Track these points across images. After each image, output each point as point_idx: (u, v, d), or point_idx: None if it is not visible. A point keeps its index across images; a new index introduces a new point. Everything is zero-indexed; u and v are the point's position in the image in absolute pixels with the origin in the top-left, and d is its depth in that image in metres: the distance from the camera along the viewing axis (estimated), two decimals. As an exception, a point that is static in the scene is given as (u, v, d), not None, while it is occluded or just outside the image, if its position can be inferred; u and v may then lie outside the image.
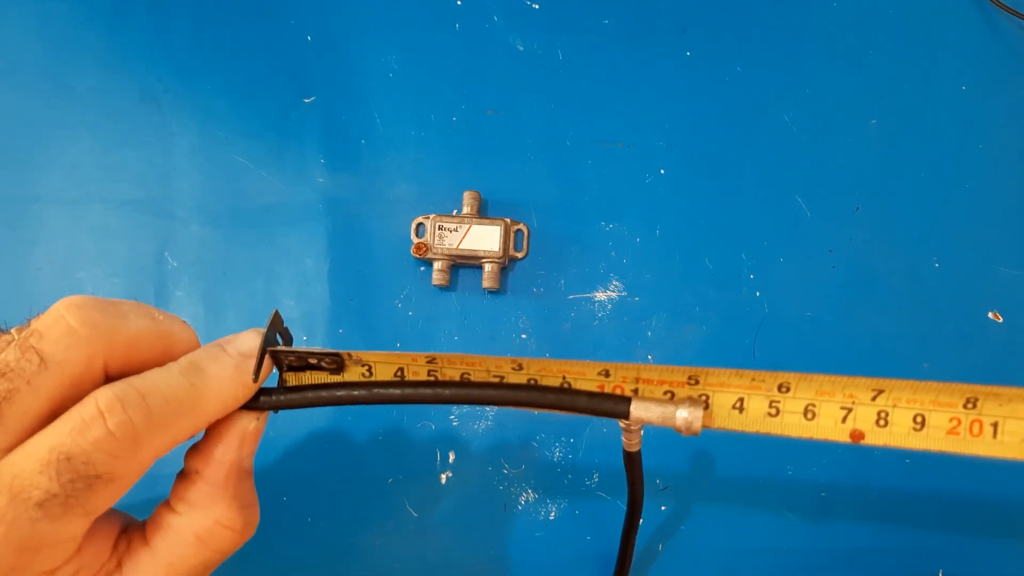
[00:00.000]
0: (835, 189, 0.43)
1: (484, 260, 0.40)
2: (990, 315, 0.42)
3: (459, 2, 0.44)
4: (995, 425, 0.23)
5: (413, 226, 0.41)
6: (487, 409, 0.40)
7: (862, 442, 0.24)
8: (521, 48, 0.44)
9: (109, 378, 0.22)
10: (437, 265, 0.41)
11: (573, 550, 0.39)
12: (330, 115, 0.43)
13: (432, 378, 0.26)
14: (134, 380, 0.22)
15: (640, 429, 0.28)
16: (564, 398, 0.24)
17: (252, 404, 0.24)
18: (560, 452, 0.40)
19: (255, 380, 0.24)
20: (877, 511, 0.40)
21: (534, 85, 0.43)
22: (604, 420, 0.40)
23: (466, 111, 0.43)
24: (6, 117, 0.42)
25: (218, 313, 0.41)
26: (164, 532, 0.24)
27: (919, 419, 0.24)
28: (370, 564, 0.39)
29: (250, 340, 0.25)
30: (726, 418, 0.25)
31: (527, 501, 0.40)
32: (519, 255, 0.42)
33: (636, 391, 0.26)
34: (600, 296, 0.41)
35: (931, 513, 0.40)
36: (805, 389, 0.24)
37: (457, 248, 0.40)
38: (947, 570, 0.40)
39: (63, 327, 0.21)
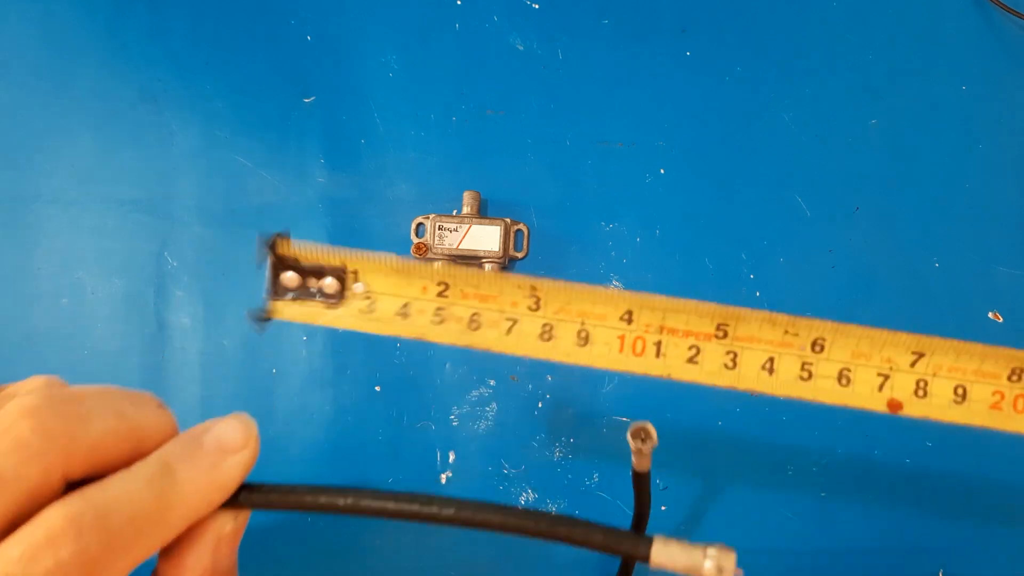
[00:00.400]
0: (835, 189, 0.43)
1: (484, 260, 0.40)
2: (990, 315, 0.42)
3: (459, 2, 0.44)
4: None
5: (413, 226, 0.41)
6: (487, 409, 0.40)
7: (900, 413, 0.23)
8: (521, 48, 0.44)
9: (70, 482, 0.19)
10: (437, 265, 0.40)
11: (573, 550, 0.39)
12: (330, 115, 0.43)
13: (439, 318, 0.24)
14: (93, 494, 0.19)
15: (651, 452, 0.28)
16: (577, 532, 0.22)
17: (231, 502, 0.21)
18: (560, 452, 0.40)
19: (257, 268, 0.22)
20: (877, 511, 0.40)
21: (534, 85, 0.43)
22: (604, 420, 0.40)
23: (466, 111, 0.43)
24: (6, 117, 0.42)
25: (218, 313, 0.41)
26: None
27: (960, 391, 0.22)
28: (370, 564, 0.39)
29: (231, 430, 0.22)
30: (755, 379, 0.23)
31: (527, 501, 0.40)
32: (519, 255, 0.42)
33: (659, 345, 0.23)
34: (600, 296, 0.41)
35: (931, 513, 0.40)
36: (840, 348, 0.22)
37: (457, 248, 0.40)
38: (947, 570, 0.40)
39: (15, 438, 0.18)
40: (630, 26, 0.44)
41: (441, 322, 0.24)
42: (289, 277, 0.23)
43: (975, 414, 0.22)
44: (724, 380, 0.23)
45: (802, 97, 0.44)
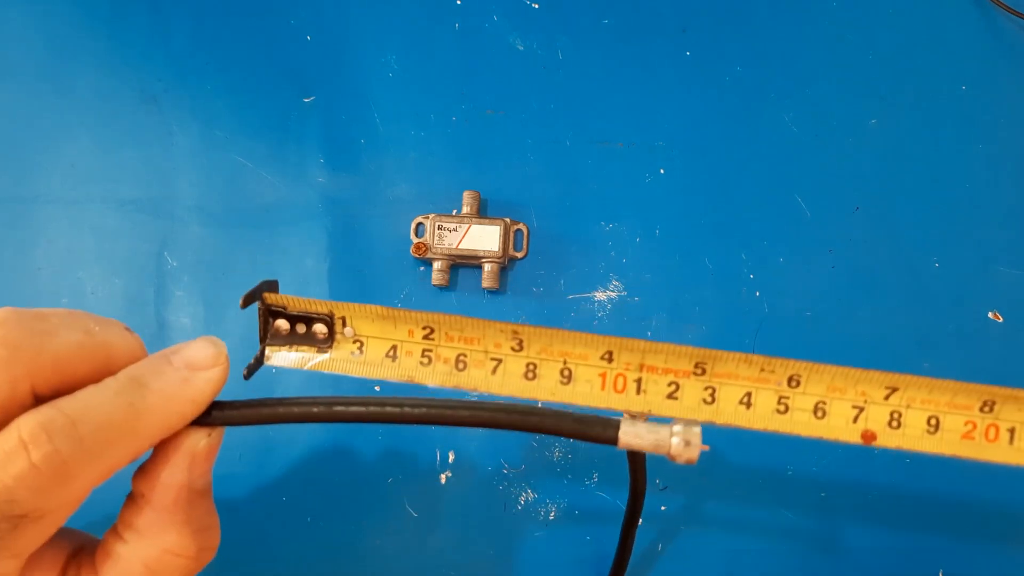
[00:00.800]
0: (835, 189, 0.43)
1: (484, 260, 0.40)
2: (990, 315, 0.42)
3: (459, 2, 0.44)
4: (1012, 431, 0.23)
5: (413, 226, 0.41)
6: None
7: (874, 444, 0.23)
8: (521, 48, 0.44)
9: (39, 400, 0.20)
10: (437, 265, 0.41)
11: (573, 550, 0.39)
12: (330, 115, 0.43)
13: (426, 359, 0.25)
14: (63, 403, 0.19)
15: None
16: (547, 421, 0.23)
17: (203, 420, 0.22)
18: (560, 452, 0.40)
19: (243, 308, 0.23)
20: (877, 511, 0.40)
21: (534, 85, 0.43)
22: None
23: (466, 111, 0.43)
24: (6, 117, 0.42)
25: (218, 313, 0.41)
26: (112, 562, 0.21)
27: (933, 421, 0.23)
28: (370, 564, 0.39)
29: (200, 350, 0.22)
30: (732, 414, 0.24)
31: (527, 501, 0.40)
32: (519, 255, 0.42)
33: (639, 382, 0.24)
34: (600, 296, 0.41)
35: (931, 513, 0.40)
36: (816, 383, 0.24)
37: (457, 248, 0.40)
38: (947, 571, 0.40)
39: None
40: (630, 26, 0.44)
41: (429, 363, 0.24)
42: (279, 324, 0.24)
43: (948, 444, 0.23)
44: (703, 415, 0.24)
45: (802, 97, 0.44)
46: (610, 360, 0.24)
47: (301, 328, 0.24)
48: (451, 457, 0.40)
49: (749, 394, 0.24)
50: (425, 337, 0.24)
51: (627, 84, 0.44)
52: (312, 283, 0.41)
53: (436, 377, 0.24)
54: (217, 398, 0.23)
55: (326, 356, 0.24)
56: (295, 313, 0.24)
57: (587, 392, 0.25)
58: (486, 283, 0.40)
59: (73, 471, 0.19)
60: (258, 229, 0.42)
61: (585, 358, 0.24)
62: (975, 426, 0.23)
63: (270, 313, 0.24)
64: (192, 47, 0.43)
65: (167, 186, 0.42)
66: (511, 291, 0.41)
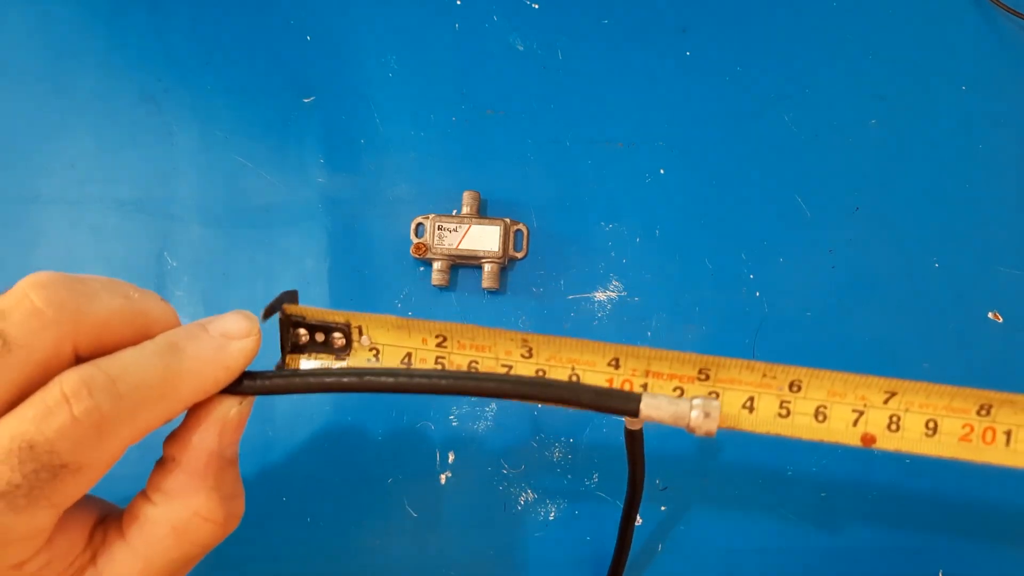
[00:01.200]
0: (835, 189, 0.43)
1: (484, 260, 0.40)
2: (990, 315, 0.42)
3: (459, 2, 0.44)
4: (1008, 433, 0.23)
5: (412, 226, 0.41)
6: (487, 409, 0.40)
7: (874, 446, 0.24)
8: (521, 48, 0.44)
9: (79, 360, 0.21)
10: (436, 265, 0.41)
11: (573, 550, 0.39)
12: (330, 115, 0.43)
13: (440, 366, 0.25)
14: (103, 362, 0.20)
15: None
16: (567, 392, 0.23)
17: (235, 388, 0.23)
18: (560, 452, 0.40)
19: (263, 321, 0.23)
20: (877, 511, 0.40)
21: (534, 85, 0.43)
22: (604, 419, 0.40)
23: (466, 111, 0.43)
24: (6, 117, 0.42)
25: (218, 313, 0.41)
26: (140, 524, 0.22)
27: (931, 424, 0.24)
28: (370, 564, 0.39)
29: (234, 322, 0.23)
30: (736, 418, 0.24)
31: (527, 501, 0.40)
32: (519, 255, 0.42)
33: (645, 386, 0.25)
34: (600, 296, 0.41)
35: (931, 514, 0.40)
36: (816, 388, 0.24)
37: (457, 248, 0.40)
38: (947, 571, 0.40)
39: (28, 307, 0.19)
40: (630, 26, 0.44)
41: (440, 366, 0.25)
42: (299, 333, 0.25)
43: (946, 446, 0.24)
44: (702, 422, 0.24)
45: (802, 97, 0.44)
46: (617, 366, 0.25)
47: (320, 337, 0.25)
48: (451, 457, 0.40)
49: (752, 399, 0.24)
50: (438, 345, 0.25)
51: (627, 84, 0.44)
52: (312, 283, 0.41)
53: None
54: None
55: (343, 363, 0.25)
56: (314, 323, 0.25)
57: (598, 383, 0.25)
58: (486, 283, 0.40)
59: (111, 426, 0.20)
60: (258, 229, 0.42)
61: (593, 364, 0.25)
62: (972, 429, 0.23)
63: (290, 323, 0.25)
64: (192, 47, 0.43)
65: (167, 186, 0.42)
66: (511, 291, 0.41)
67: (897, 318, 0.42)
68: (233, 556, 0.38)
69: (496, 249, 0.40)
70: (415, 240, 0.41)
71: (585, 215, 0.42)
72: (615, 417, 0.39)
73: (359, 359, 0.25)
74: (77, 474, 0.20)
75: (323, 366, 0.25)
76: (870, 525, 0.40)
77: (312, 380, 0.23)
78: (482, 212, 0.42)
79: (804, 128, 0.43)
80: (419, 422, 0.40)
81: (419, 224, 0.41)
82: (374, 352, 0.25)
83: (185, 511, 0.22)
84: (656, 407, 0.22)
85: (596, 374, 0.25)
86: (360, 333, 0.25)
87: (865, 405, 0.24)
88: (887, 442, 0.24)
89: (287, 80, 0.43)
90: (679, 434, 0.40)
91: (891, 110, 0.44)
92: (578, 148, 0.43)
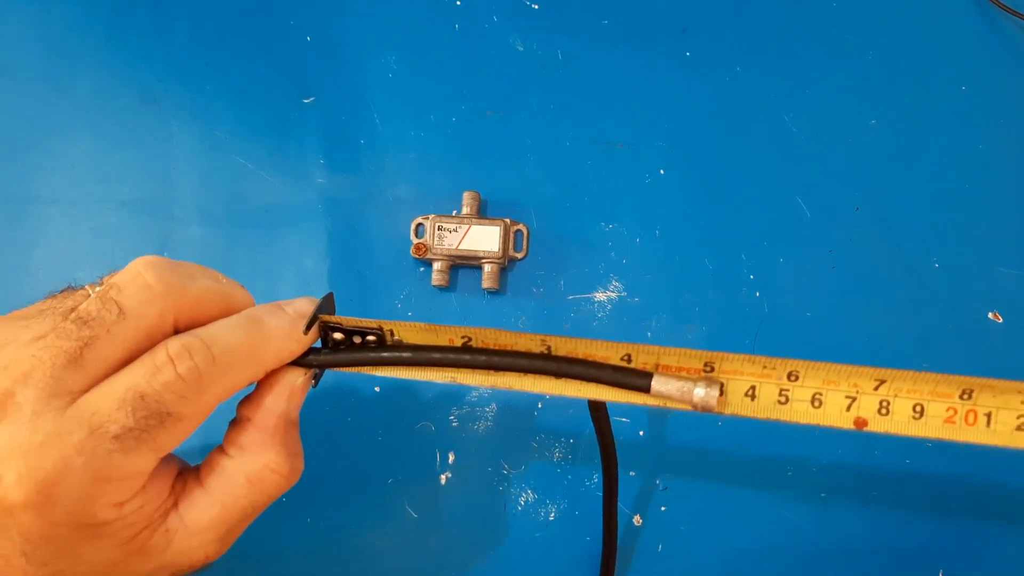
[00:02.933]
0: (835, 189, 0.43)
1: (484, 260, 0.40)
2: (990, 315, 0.42)
3: (459, 2, 0.44)
4: (988, 415, 0.25)
5: (413, 226, 0.41)
6: (487, 409, 0.40)
7: (865, 429, 0.26)
8: (521, 48, 0.44)
9: (177, 331, 0.24)
10: (437, 265, 0.41)
11: (573, 550, 0.39)
12: (330, 115, 0.43)
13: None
14: (199, 331, 0.24)
15: None
16: (590, 371, 0.26)
17: (301, 361, 0.26)
18: (560, 452, 0.40)
19: (306, 333, 0.26)
20: (877, 511, 0.40)
21: (534, 85, 0.43)
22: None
23: (466, 111, 0.43)
24: (6, 117, 0.42)
25: (218, 313, 0.41)
26: (217, 474, 0.26)
27: (918, 408, 0.25)
28: (370, 564, 0.39)
29: (305, 303, 0.27)
30: (739, 405, 0.26)
31: (527, 501, 0.40)
32: (519, 255, 0.42)
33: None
34: (600, 296, 0.41)
35: (931, 513, 0.40)
36: (812, 378, 0.26)
37: (457, 248, 0.40)
38: (947, 570, 0.40)
39: (141, 283, 0.24)
40: (630, 26, 0.44)
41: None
42: (336, 338, 0.27)
43: (931, 428, 0.25)
44: (712, 404, 0.26)
45: (802, 97, 0.44)
46: (629, 361, 0.27)
47: (357, 340, 0.27)
48: (451, 458, 0.40)
49: (753, 387, 0.26)
50: (464, 345, 0.27)
51: (627, 84, 0.44)
52: (312, 283, 0.41)
53: (475, 378, 0.27)
54: None
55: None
56: (349, 328, 0.27)
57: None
58: (486, 284, 0.40)
59: (207, 383, 0.23)
60: (258, 229, 0.42)
61: (607, 359, 0.27)
62: (956, 412, 0.25)
63: (328, 329, 0.27)
64: (192, 48, 0.43)
65: (167, 187, 0.42)
66: (511, 292, 0.41)
67: (897, 318, 0.42)
68: (233, 556, 0.38)
69: (496, 249, 0.40)
70: (415, 240, 0.41)
71: (585, 215, 0.42)
72: (616, 419, 0.39)
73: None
74: (178, 423, 0.23)
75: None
76: (870, 525, 0.40)
77: (371, 355, 0.26)
78: (482, 212, 0.42)
79: (804, 128, 0.43)
80: (419, 422, 0.40)
81: (419, 224, 0.41)
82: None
83: (257, 463, 0.26)
84: (665, 382, 0.26)
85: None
86: (392, 335, 0.27)
87: (857, 392, 0.26)
88: (877, 425, 0.26)
89: (287, 80, 0.43)
90: (679, 434, 0.40)
91: (891, 110, 0.44)
92: (578, 148, 0.43)
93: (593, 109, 0.43)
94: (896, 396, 0.26)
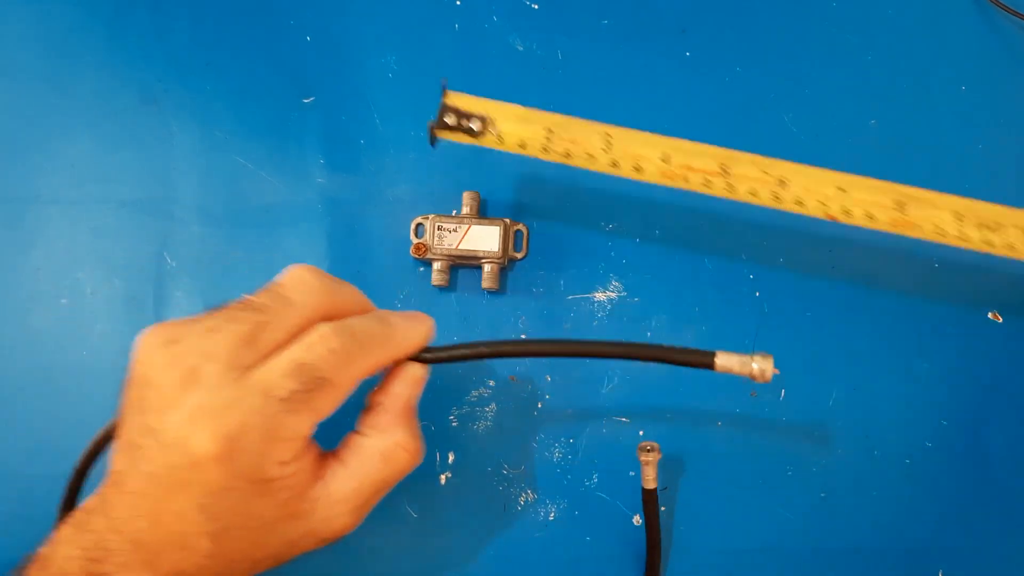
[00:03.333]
0: (835, 189, 0.43)
1: (483, 260, 0.40)
2: (990, 315, 0.42)
3: (459, 2, 0.44)
4: (920, 224, 0.36)
5: (412, 226, 0.41)
6: (487, 409, 0.40)
7: (834, 220, 0.36)
8: (521, 48, 0.44)
9: (325, 321, 0.29)
10: (436, 265, 0.41)
11: (573, 550, 0.39)
12: (330, 115, 0.43)
13: (544, 152, 0.36)
14: (344, 320, 0.29)
15: (656, 462, 0.36)
16: (660, 352, 0.31)
17: (419, 357, 0.31)
18: (560, 453, 0.40)
19: (432, 142, 0.36)
20: (877, 511, 0.40)
21: (534, 85, 0.43)
22: (603, 421, 0.40)
23: (466, 111, 0.43)
24: (6, 117, 0.42)
25: (218, 313, 0.41)
26: (355, 451, 0.30)
27: (871, 214, 0.36)
28: (370, 564, 0.39)
29: (422, 314, 0.32)
30: (745, 196, 0.35)
31: (527, 501, 0.40)
32: (519, 255, 0.42)
33: (686, 177, 0.36)
34: (600, 296, 0.41)
35: (931, 513, 0.40)
36: (796, 185, 0.35)
37: (456, 248, 0.40)
38: (947, 570, 0.40)
39: (301, 281, 0.29)
40: (630, 26, 0.44)
41: (545, 151, 0.36)
42: (449, 117, 0.36)
43: (881, 225, 0.35)
44: (723, 194, 0.36)
45: (802, 97, 0.44)
46: (667, 162, 0.36)
47: (464, 121, 0.35)
48: (451, 458, 0.40)
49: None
50: (546, 137, 0.36)
51: (627, 84, 0.44)
52: (312, 283, 0.41)
53: (550, 157, 0.36)
54: None
55: (477, 140, 0.36)
56: (462, 110, 0.36)
57: (653, 176, 0.36)
58: (486, 284, 0.40)
59: (352, 358, 0.28)
60: (258, 229, 0.42)
61: (650, 160, 0.36)
62: (896, 216, 0.35)
63: (447, 107, 0.36)
64: (192, 48, 0.43)
65: (167, 187, 0.42)
66: (511, 292, 0.41)
67: (897, 318, 0.42)
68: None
69: (496, 249, 0.40)
70: (415, 240, 0.41)
71: (585, 215, 0.42)
72: (616, 418, 0.39)
73: (487, 140, 0.36)
74: (332, 389, 0.28)
75: (461, 137, 0.36)
76: (870, 525, 0.40)
77: (483, 349, 0.32)
78: (482, 212, 0.42)
79: (804, 128, 0.43)
80: (419, 422, 0.40)
81: (419, 224, 0.41)
82: (498, 137, 0.36)
83: (389, 441, 0.30)
84: (727, 357, 0.31)
85: (653, 164, 0.36)
86: (492, 122, 0.36)
87: (826, 197, 0.35)
88: (843, 219, 0.36)
89: (287, 80, 0.43)
90: (679, 435, 0.40)
91: (890, 110, 0.44)
92: (578, 148, 0.43)
93: (593, 109, 0.43)
94: (854, 205, 0.35)
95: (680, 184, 0.36)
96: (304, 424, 0.27)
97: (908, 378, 0.41)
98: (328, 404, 0.28)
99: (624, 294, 0.41)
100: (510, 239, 0.41)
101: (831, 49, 0.44)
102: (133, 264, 0.41)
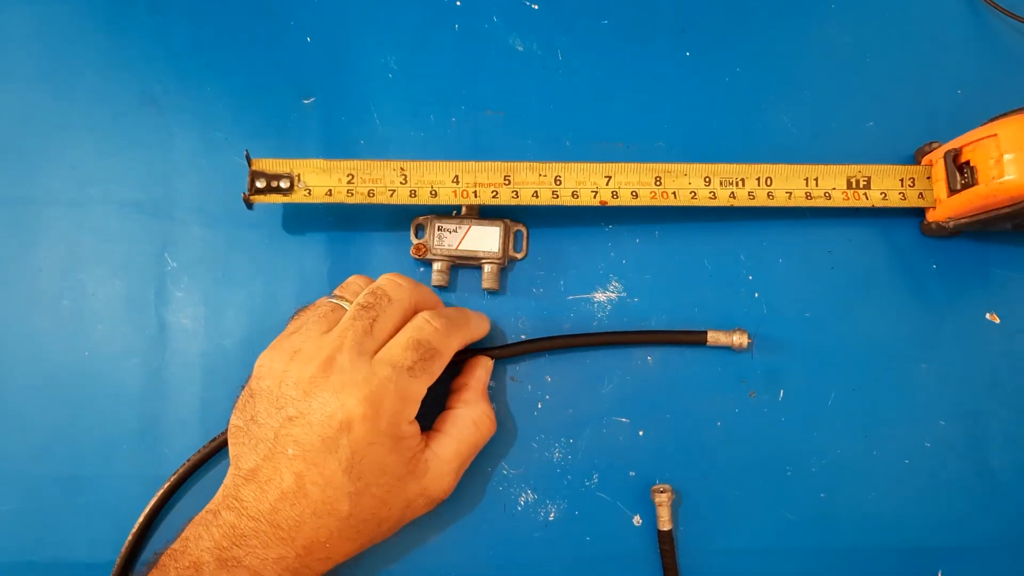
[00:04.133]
0: (835, 189, 0.43)
1: (483, 261, 0.40)
2: (988, 316, 0.42)
3: (459, 2, 0.44)
4: (675, 193, 0.40)
5: (413, 227, 0.41)
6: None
7: (604, 204, 0.40)
8: (520, 48, 0.44)
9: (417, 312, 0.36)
10: (437, 266, 0.41)
11: (573, 550, 0.39)
12: (330, 115, 0.43)
13: (350, 194, 0.39)
14: (437, 309, 0.36)
15: (669, 503, 0.39)
16: (669, 336, 0.40)
17: (488, 352, 0.39)
18: (560, 453, 0.40)
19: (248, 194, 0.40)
20: (877, 511, 0.40)
21: (534, 85, 0.43)
22: (603, 421, 0.40)
23: (466, 111, 0.43)
24: (7, 118, 0.42)
25: (218, 313, 0.41)
26: (452, 422, 0.37)
27: (634, 193, 0.40)
28: (370, 564, 0.39)
29: (483, 315, 0.40)
30: (528, 200, 0.40)
31: (527, 501, 0.40)
32: (518, 256, 0.42)
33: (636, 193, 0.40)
34: (599, 297, 0.41)
35: (930, 513, 0.40)
36: (570, 179, 0.40)
37: (456, 249, 0.40)
38: (947, 570, 0.40)
39: (396, 283, 0.35)
40: (630, 26, 0.44)
41: (351, 195, 0.39)
42: (260, 181, 0.39)
43: (645, 199, 0.40)
44: (510, 201, 0.40)
45: (801, 97, 0.44)
46: (458, 182, 0.40)
47: (273, 182, 0.39)
48: (451, 457, 0.40)
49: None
50: (349, 181, 0.39)
51: (627, 84, 0.44)
52: (312, 283, 0.41)
53: (354, 199, 0.39)
54: None
55: (288, 197, 0.39)
56: (269, 173, 0.39)
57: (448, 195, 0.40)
58: (486, 284, 0.41)
59: (449, 333, 0.35)
60: (258, 229, 0.42)
61: (442, 184, 0.40)
62: (655, 195, 0.40)
63: (253, 175, 0.39)
64: (192, 48, 0.43)
65: (167, 187, 0.42)
66: (511, 292, 0.42)
67: (895, 319, 0.42)
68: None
69: (496, 250, 0.40)
70: (415, 241, 0.41)
71: (585, 215, 0.42)
72: (615, 419, 0.39)
73: (297, 195, 0.39)
74: (440, 357, 0.35)
75: (273, 197, 0.39)
76: (870, 525, 0.40)
77: (544, 343, 0.40)
78: (482, 213, 0.42)
79: (803, 128, 0.43)
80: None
81: (419, 225, 0.41)
82: (307, 190, 0.39)
83: (477, 410, 0.37)
84: (716, 336, 0.40)
85: (445, 187, 0.39)
86: (300, 179, 0.39)
87: (596, 186, 0.40)
88: (613, 202, 0.40)
89: (287, 80, 0.43)
90: (679, 434, 0.40)
91: (888, 111, 0.44)
92: (578, 148, 0.43)
93: (593, 109, 0.43)
94: (620, 187, 0.40)
95: (471, 200, 0.39)
96: (423, 387, 0.34)
97: (907, 378, 0.41)
98: (438, 369, 0.34)
99: (624, 294, 0.42)
100: (510, 239, 0.41)
101: (830, 50, 0.44)
102: (134, 265, 0.41)
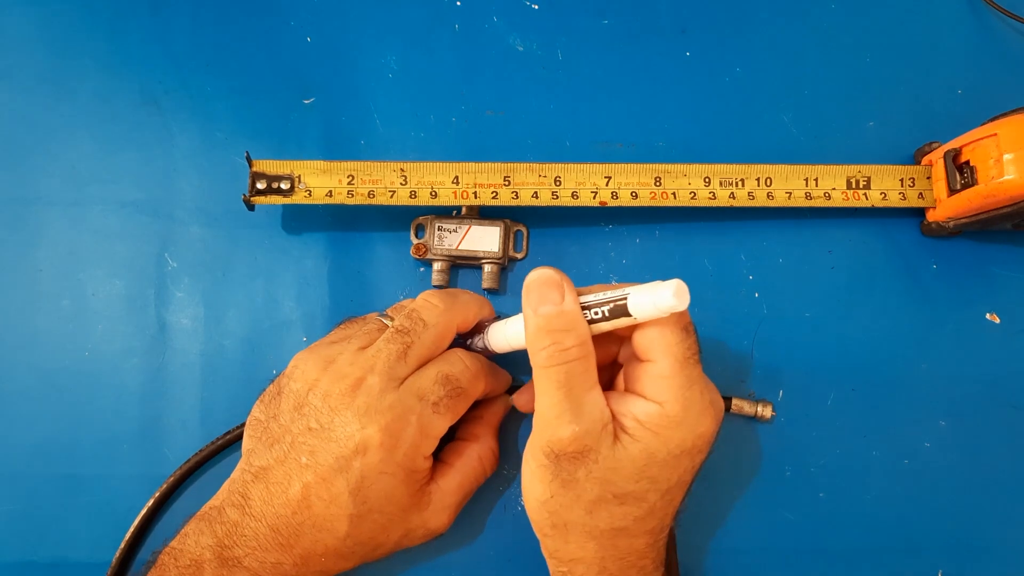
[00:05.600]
0: (835, 189, 0.43)
1: (484, 261, 0.40)
2: (988, 316, 0.42)
3: (459, 2, 0.44)
4: (674, 193, 0.40)
5: (413, 227, 0.41)
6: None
7: (605, 205, 0.40)
8: (520, 48, 0.44)
9: (459, 333, 0.36)
10: (437, 266, 0.41)
11: (573, 550, 0.39)
12: (330, 115, 0.43)
13: (350, 195, 0.39)
14: (461, 352, 0.35)
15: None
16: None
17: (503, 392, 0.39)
18: (560, 452, 0.40)
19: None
20: (877, 511, 0.40)
21: (534, 85, 0.43)
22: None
23: (465, 111, 0.43)
24: (7, 119, 0.42)
25: (218, 313, 0.41)
26: (458, 454, 0.36)
27: (634, 193, 0.40)
28: (370, 564, 0.39)
29: (508, 375, 0.39)
30: (528, 200, 0.40)
31: (527, 501, 0.40)
32: (519, 256, 0.42)
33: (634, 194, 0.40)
34: (600, 297, 0.41)
35: (930, 514, 0.40)
36: (569, 180, 0.40)
37: (457, 249, 0.40)
38: (947, 570, 0.40)
39: (431, 305, 0.34)
40: (630, 26, 0.44)
41: (351, 196, 0.39)
42: (261, 182, 0.39)
43: (645, 200, 0.40)
44: (510, 202, 0.40)
45: (801, 97, 0.44)
46: (458, 183, 0.40)
47: (275, 183, 0.39)
48: (451, 457, 0.40)
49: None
50: (349, 182, 0.39)
51: (627, 84, 0.44)
52: (312, 284, 0.41)
53: (354, 200, 0.39)
54: None
55: (288, 198, 0.39)
56: (270, 174, 0.39)
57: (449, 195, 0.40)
58: (486, 284, 0.41)
59: (479, 377, 0.35)
60: (258, 229, 0.42)
61: (442, 184, 0.40)
62: (655, 196, 0.40)
63: (254, 176, 0.39)
64: (192, 49, 0.43)
65: (167, 188, 0.42)
66: (511, 292, 0.42)
67: (896, 318, 0.42)
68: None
69: (496, 250, 0.40)
70: (415, 241, 0.41)
71: (585, 216, 0.42)
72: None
73: (298, 196, 0.39)
74: (467, 397, 0.34)
75: (273, 199, 0.39)
76: (870, 525, 0.40)
77: None
78: (482, 213, 0.42)
79: (803, 128, 0.43)
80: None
81: (419, 225, 0.41)
82: (307, 192, 0.39)
83: (485, 446, 0.37)
84: (740, 403, 0.40)
85: (445, 188, 0.39)
86: (300, 180, 0.39)
87: (596, 187, 0.40)
88: (612, 203, 0.40)
89: (287, 80, 0.43)
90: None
91: (888, 112, 0.44)
92: (578, 148, 0.43)
93: (593, 109, 0.43)
94: (620, 187, 0.40)
95: (471, 201, 0.39)
96: (446, 424, 0.33)
97: (907, 378, 0.41)
98: (462, 408, 0.34)
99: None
100: (510, 239, 0.41)
101: (830, 50, 0.44)
102: (134, 265, 0.41)
